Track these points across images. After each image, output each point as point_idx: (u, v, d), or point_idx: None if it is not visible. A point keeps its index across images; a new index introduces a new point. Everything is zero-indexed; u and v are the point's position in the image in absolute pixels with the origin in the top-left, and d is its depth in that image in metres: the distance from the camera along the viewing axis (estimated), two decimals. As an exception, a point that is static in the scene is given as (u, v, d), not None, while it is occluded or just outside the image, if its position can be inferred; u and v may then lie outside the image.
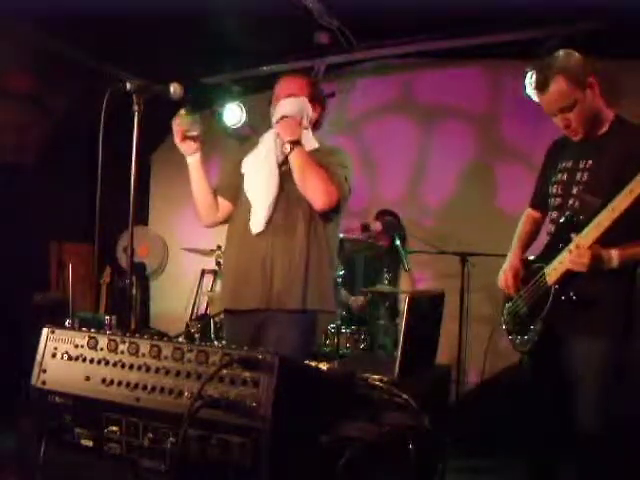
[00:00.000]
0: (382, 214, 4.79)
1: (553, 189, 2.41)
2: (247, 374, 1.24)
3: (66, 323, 1.60)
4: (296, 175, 2.38)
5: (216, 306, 4.98)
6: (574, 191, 2.29)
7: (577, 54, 2.28)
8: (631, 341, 2.24)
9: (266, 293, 2.39)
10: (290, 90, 2.50)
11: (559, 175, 2.39)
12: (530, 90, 4.22)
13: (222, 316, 4.26)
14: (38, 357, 1.49)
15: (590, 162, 2.26)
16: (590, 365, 2.21)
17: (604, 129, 2.29)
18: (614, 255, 2.09)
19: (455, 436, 3.60)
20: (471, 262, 4.20)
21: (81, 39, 4.27)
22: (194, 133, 2.45)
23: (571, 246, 2.15)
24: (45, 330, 1.52)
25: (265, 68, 4.81)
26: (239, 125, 5.33)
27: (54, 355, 1.48)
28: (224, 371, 1.26)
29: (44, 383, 1.47)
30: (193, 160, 2.53)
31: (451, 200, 5.02)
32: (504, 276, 2.52)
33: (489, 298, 4.33)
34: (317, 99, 2.57)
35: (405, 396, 1.58)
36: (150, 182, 6.19)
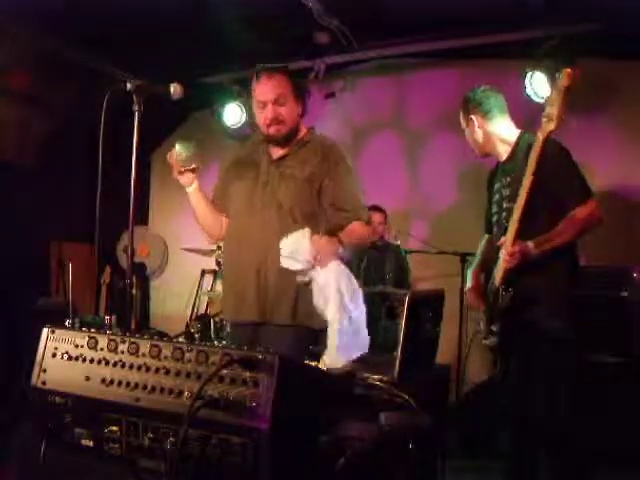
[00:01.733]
0: (371, 210, 4.79)
1: (492, 209, 2.82)
2: (247, 374, 1.24)
3: (66, 323, 1.59)
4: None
5: (216, 306, 4.98)
6: (505, 205, 2.68)
7: (476, 97, 2.74)
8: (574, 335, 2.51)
9: (260, 307, 2.39)
10: (272, 94, 2.37)
11: (495, 197, 2.80)
12: (530, 90, 4.23)
13: (222, 316, 4.28)
14: (38, 357, 1.49)
15: (508, 178, 2.67)
16: (538, 360, 2.49)
17: (512, 147, 2.70)
18: (530, 244, 2.44)
19: (455, 436, 3.61)
20: (471, 262, 4.20)
21: (81, 39, 4.28)
22: (191, 166, 2.42)
23: (502, 248, 2.51)
24: (45, 330, 1.52)
25: (265, 68, 4.81)
26: (239, 125, 5.33)
27: (54, 355, 1.48)
28: (224, 371, 1.26)
29: (44, 383, 1.47)
30: (192, 190, 2.50)
31: (453, 200, 5.03)
32: (469, 296, 2.87)
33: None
34: (299, 94, 2.46)
35: (405, 396, 1.58)
36: (150, 182, 6.20)
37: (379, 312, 4.46)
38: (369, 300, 4.41)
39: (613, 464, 3.17)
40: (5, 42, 4.01)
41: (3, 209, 4.43)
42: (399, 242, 4.50)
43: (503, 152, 2.73)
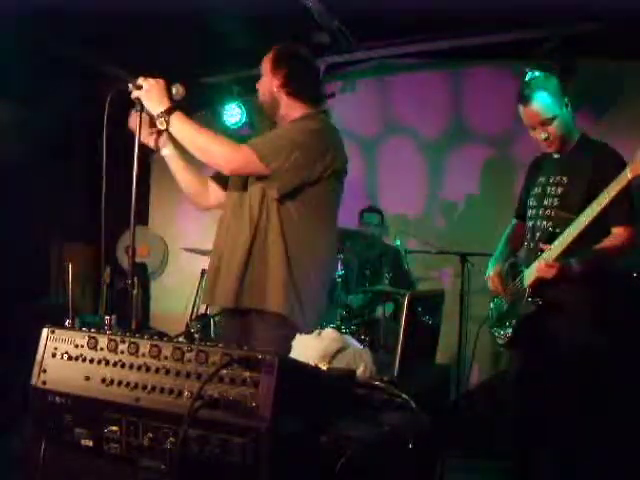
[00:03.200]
0: (368, 211, 4.80)
1: (530, 201, 2.70)
2: (247, 374, 1.24)
3: (66, 323, 1.60)
4: (189, 149, 2.18)
5: (216, 306, 4.97)
6: (545, 202, 2.58)
7: (554, 73, 2.68)
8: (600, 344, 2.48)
9: (212, 290, 2.32)
10: (260, 71, 2.38)
11: (536, 189, 2.68)
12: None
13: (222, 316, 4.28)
14: (38, 357, 1.49)
15: (565, 178, 2.54)
16: (562, 355, 2.46)
17: (572, 146, 2.58)
18: (573, 262, 2.38)
19: (455, 436, 3.60)
20: (471, 262, 4.20)
21: (82, 39, 4.28)
22: (159, 127, 2.19)
23: (541, 258, 2.43)
24: (45, 330, 1.52)
25: (265, 68, 4.81)
26: (239, 125, 5.33)
27: (54, 355, 1.48)
28: (224, 371, 1.26)
29: (44, 383, 1.47)
30: (168, 152, 2.34)
31: (455, 201, 5.03)
32: (492, 281, 2.75)
33: (489, 298, 4.33)
34: (277, 65, 2.33)
35: (405, 396, 1.58)
36: (150, 182, 6.19)
37: (379, 312, 4.46)
38: (369, 300, 4.45)
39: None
40: (6, 42, 4.00)
41: (3, 209, 4.43)
42: (399, 242, 4.50)
43: (565, 145, 2.58)
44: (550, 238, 2.44)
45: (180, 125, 2.13)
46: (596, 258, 2.42)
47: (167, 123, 2.10)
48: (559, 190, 2.55)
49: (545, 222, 2.55)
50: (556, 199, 2.55)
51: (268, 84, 2.35)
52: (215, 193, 2.49)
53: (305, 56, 2.40)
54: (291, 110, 2.35)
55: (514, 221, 2.95)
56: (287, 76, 2.31)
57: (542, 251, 2.45)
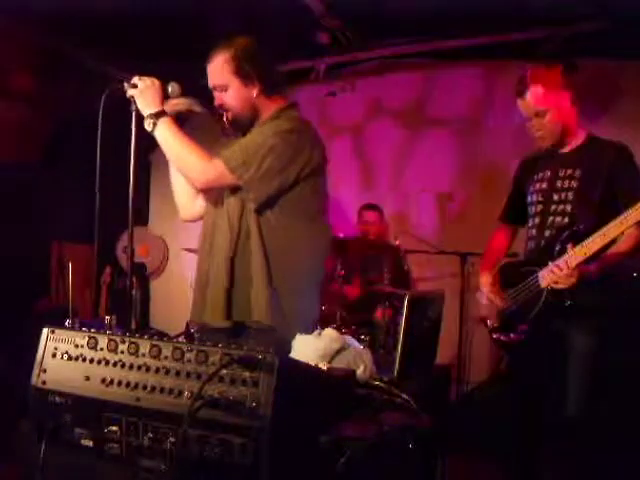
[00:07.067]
0: (367, 208, 4.80)
1: (533, 197, 2.56)
2: (247, 374, 1.24)
3: (66, 323, 1.60)
4: (168, 157, 2.18)
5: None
6: (556, 197, 2.47)
7: (558, 67, 2.48)
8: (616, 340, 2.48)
9: (201, 308, 2.20)
10: (211, 81, 2.29)
11: (537, 185, 2.55)
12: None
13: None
14: (38, 357, 1.50)
15: (578, 172, 2.43)
16: (579, 359, 2.37)
17: (580, 142, 2.49)
18: (592, 269, 2.28)
19: (455, 436, 3.60)
20: (471, 262, 4.20)
21: (81, 39, 4.28)
22: (145, 128, 2.14)
23: (561, 263, 2.29)
24: (45, 330, 1.52)
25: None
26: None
27: (54, 355, 1.48)
28: (224, 371, 1.26)
29: (44, 383, 1.47)
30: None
31: (455, 200, 5.03)
32: (488, 288, 2.60)
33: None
34: (245, 70, 2.18)
35: (405, 396, 1.58)
36: (150, 182, 6.19)
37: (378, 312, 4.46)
38: (369, 299, 4.45)
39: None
40: (7, 42, 4.01)
41: (3, 209, 4.43)
42: (398, 242, 4.49)
43: (563, 140, 2.50)
44: (572, 236, 2.32)
45: (165, 131, 2.10)
46: (613, 261, 2.34)
47: (154, 126, 2.09)
48: (573, 184, 2.43)
49: (560, 218, 2.44)
50: (570, 193, 2.43)
51: (243, 94, 2.19)
52: (202, 205, 2.41)
53: (256, 46, 2.22)
54: (266, 111, 2.22)
55: (500, 226, 2.84)
56: (261, 77, 2.17)
57: (564, 251, 2.32)
